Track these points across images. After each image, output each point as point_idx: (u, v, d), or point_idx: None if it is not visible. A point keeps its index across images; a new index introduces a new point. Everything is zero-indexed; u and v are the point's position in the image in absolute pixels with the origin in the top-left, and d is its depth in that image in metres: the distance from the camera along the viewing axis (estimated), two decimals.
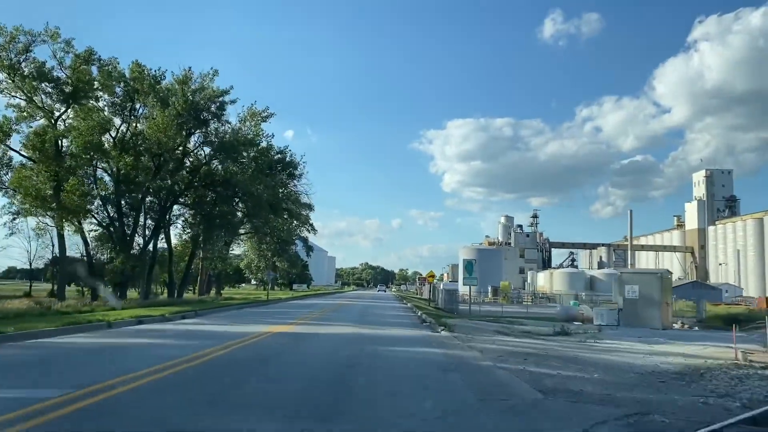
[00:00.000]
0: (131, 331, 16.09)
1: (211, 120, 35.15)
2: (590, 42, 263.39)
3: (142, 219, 37.03)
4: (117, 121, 36.15)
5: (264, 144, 42.16)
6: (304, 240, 71.02)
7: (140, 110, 35.25)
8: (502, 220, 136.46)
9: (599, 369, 10.84)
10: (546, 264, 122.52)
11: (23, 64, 30.05)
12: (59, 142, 31.52)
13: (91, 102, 33.80)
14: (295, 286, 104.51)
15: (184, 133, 34.47)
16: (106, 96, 35.08)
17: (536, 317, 30.52)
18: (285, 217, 46.87)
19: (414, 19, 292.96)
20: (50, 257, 44.97)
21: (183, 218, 39.53)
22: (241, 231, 53.90)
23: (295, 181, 45.19)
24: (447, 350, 13.57)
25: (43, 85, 30.85)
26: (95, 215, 34.65)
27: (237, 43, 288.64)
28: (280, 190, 44.31)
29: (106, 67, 31.98)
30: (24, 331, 13.61)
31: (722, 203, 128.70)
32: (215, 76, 33.70)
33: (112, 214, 34.87)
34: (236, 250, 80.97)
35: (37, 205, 30.83)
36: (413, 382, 9.09)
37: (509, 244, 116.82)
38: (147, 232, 38.21)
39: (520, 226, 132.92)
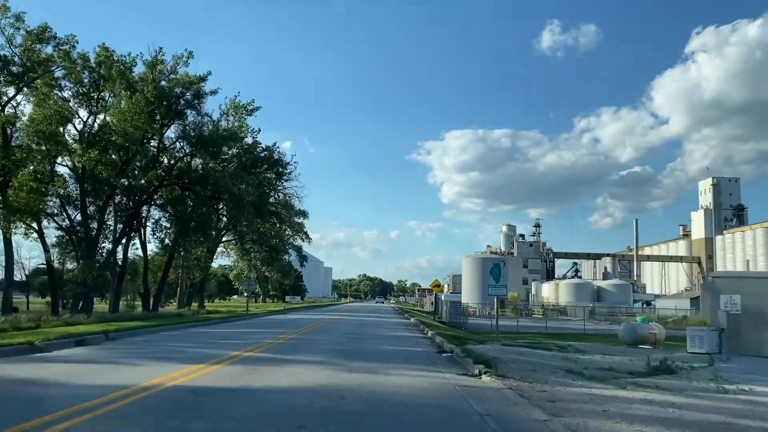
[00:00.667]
0: None
1: (187, 110, 31.11)
2: (588, 53, 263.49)
3: (113, 223, 32.96)
4: (84, 113, 32.22)
5: (249, 140, 38.13)
6: (298, 249, 67.00)
7: (109, 100, 31.21)
8: (504, 229, 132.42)
9: None
10: (550, 275, 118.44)
11: None
12: (6, 130, 27.35)
13: (54, 91, 29.82)
14: (288, 298, 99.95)
15: (156, 125, 30.45)
16: (69, 84, 31.16)
17: (585, 336, 25.80)
18: (273, 221, 42.57)
19: (411, 31, 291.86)
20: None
21: (153, 220, 35.07)
22: (226, 238, 49.69)
23: (284, 182, 40.97)
24: None
25: None
26: (55, 217, 30.51)
27: (233, 54, 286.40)
28: (267, 191, 40.01)
29: (63, 46, 27.86)
30: None
31: (730, 212, 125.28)
32: (190, 59, 29.66)
33: (75, 216, 30.74)
34: (226, 260, 76.82)
35: None
36: None
37: (512, 254, 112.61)
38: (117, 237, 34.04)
39: (522, 236, 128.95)
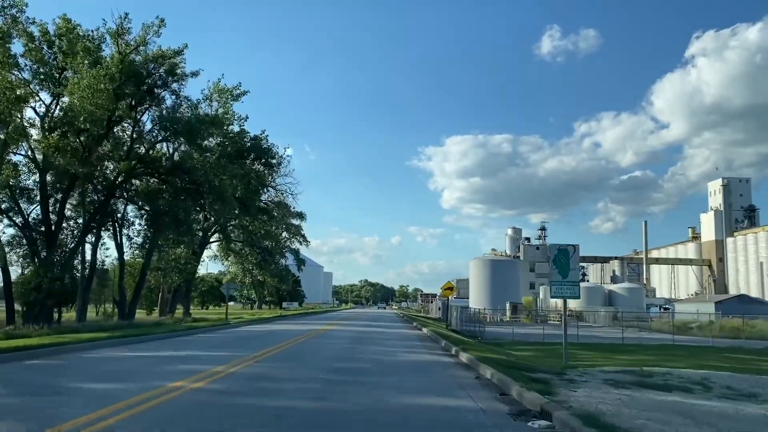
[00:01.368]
0: None
1: (162, 92, 27.14)
2: (588, 58, 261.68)
3: (81, 220, 28.98)
4: (46, 96, 28.30)
5: (236, 129, 34.09)
6: (295, 252, 63.02)
7: (72, 78, 27.22)
8: (510, 232, 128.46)
9: None
10: None
11: None
12: None
13: (12, 71, 25.86)
14: (285, 304, 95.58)
15: (125, 106, 26.50)
16: (29, 62, 27.25)
17: (674, 350, 20.88)
18: (263, 219, 38.42)
19: (411, 37, 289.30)
20: None
21: (119, 215, 30.74)
22: (215, 239, 45.68)
23: (274, 176, 36.88)
24: None
25: None
26: (8, 213, 26.49)
27: (233, 61, 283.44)
28: (256, 186, 35.84)
29: (9, 10, 23.80)
30: None
31: (740, 213, 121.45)
32: (162, 28, 25.55)
33: (30, 212, 26.74)
34: (219, 265, 72.81)
35: None
36: None
37: (518, 257, 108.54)
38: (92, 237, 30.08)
39: (528, 239, 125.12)
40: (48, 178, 26.91)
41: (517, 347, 20.09)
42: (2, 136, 24.15)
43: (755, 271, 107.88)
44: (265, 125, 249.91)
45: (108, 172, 27.29)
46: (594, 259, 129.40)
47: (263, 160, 34.53)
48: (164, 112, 28.44)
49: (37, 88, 27.96)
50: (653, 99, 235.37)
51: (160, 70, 26.38)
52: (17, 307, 26.27)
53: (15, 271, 29.23)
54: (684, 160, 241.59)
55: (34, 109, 28.11)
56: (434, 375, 12.12)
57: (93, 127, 24.87)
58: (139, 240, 29.80)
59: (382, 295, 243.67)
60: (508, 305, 54.66)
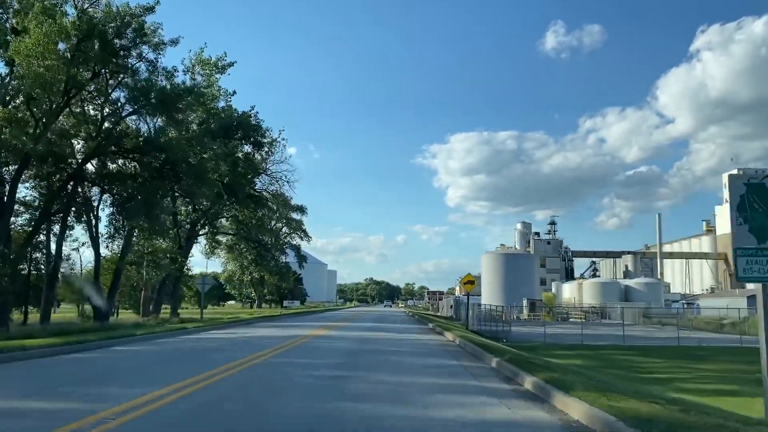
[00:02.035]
0: None
1: (128, 52, 23.29)
2: (592, 53, 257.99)
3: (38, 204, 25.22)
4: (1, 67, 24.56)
5: (222, 104, 30.24)
6: (296, 248, 59.22)
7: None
8: (519, 227, 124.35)
9: None
10: (569, 274, 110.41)
11: None
12: None
13: None
14: (287, 303, 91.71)
15: (86, 71, 22.69)
16: None
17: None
18: (253, 207, 34.46)
19: (415, 35, 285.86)
20: None
21: (94, 202, 26.88)
22: (202, 232, 41.85)
23: (265, 158, 32.92)
24: None
25: None
26: None
27: (234, 59, 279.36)
28: (246, 170, 31.86)
29: None
30: None
31: None
32: None
33: None
34: (217, 263, 69.14)
35: None
36: None
37: (528, 252, 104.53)
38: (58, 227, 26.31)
39: (537, 234, 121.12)
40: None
41: (554, 352, 16.21)
42: None
43: None
44: (269, 124, 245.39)
45: (69, 151, 23.45)
46: (606, 254, 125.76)
47: (252, 139, 30.57)
48: (139, 84, 24.67)
49: None
50: (658, 94, 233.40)
51: (128, 30, 22.52)
52: None
53: None
54: (690, 155, 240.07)
55: None
56: None
57: (45, 96, 21.06)
58: (110, 229, 25.91)
59: (387, 293, 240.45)
60: (525, 302, 50.57)
